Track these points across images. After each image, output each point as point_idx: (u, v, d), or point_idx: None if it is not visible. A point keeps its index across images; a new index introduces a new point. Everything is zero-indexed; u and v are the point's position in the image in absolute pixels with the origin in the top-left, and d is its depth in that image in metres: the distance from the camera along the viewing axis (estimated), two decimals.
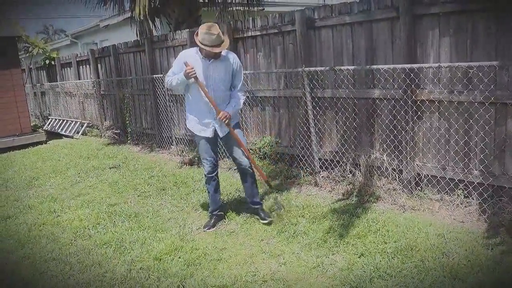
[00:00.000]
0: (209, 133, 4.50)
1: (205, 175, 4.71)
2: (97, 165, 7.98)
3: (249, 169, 4.62)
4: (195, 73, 4.21)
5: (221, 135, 4.53)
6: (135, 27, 9.82)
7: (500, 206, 4.29)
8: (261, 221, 4.63)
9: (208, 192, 4.78)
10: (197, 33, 4.20)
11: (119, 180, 6.86)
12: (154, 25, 10.26)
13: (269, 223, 4.57)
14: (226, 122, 4.37)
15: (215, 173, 4.69)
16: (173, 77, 4.46)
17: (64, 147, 10.39)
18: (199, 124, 4.52)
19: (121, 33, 14.87)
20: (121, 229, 4.84)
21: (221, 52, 4.30)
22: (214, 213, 4.77)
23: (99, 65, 11.43)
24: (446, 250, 3.70)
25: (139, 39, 9.65)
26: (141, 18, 8.30)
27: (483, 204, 4.40)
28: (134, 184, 6.56)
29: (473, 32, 4.40)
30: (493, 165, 4.46)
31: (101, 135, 11.29)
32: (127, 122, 10.03)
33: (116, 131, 10.66)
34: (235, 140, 4.52)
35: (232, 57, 4.49)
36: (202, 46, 4.17)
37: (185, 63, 4.24)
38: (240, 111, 5.60)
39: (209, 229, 4.61)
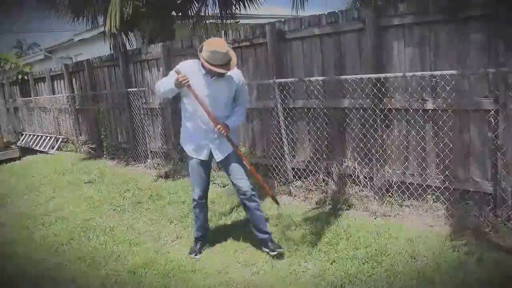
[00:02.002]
0: (203, 156, 4.04)
1: (193, 200, 4.25)
2: (72, 181, 7.91)
3: (251, 194, 4.03)
4: (188, 82, 3.73)
5: (217, 159, 4.05)
6: (109, 41, 9.83)
7: (466, 209, 4.43)
8: (270, 253, 4.04)
9: (196, 218, 4.32)
10: (202, 48, 3.76)
11: (95, 194, 6.83)
12: (128, 39, 10.30)
13: (278, 255, 4.02)
14: (225, 135, 3.89)
15: (205, 199, 4.28)
16: (162, 83, 4.04)
17: (38, 163, 10.25)
18: (193, 144, 4.06)
19: (96, 47, 14.79)
20: (95, 243, 4.82)
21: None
22: (201, 238, 4.38)
23: (73, 80, 11.36)
24: (415, 254, 3.81)
25: (113, 53, 9.66)
26: (114, 32, 8.30)
27: (450, 208, 4.53)
28: (110, 198, 6.53)
29: (435, 43, 4.57)
30: (458, 170, 4.61)
31: (76, 150, 11.18)
32: (103, 136, 9.98)
33: (91, 146, 10.59)
34: (234, 161, 4.05)
35: (236, 74, 4.02)
36: (209, 66, 3.70)
37: (176, 71, 3.78)
38: None
39: (195, 255, 4.25)
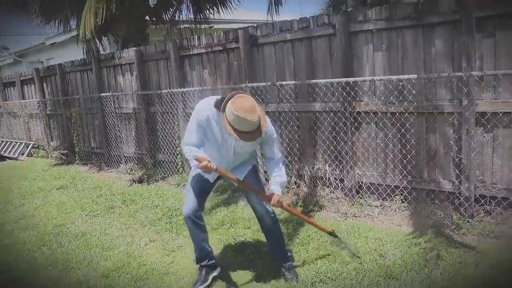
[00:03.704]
0: (210, 177, 3.53)
1: (185, 217, 3.52)
2: (43, 187, 7.79)
3: (269, 218, 3.61)
4: (213, 166, 3.20)
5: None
6: (82, 46, 9.75)
7: (432, 209, 4.57)
8: (286, 280, 3.61)
9: (192, 238, 3.64)
10: (225, 105, 3.08)
11: (66, 200, 6.75)
12: (101, 43, 10.24)
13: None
14: (280, 206, 3.44)
15: (200, 213, 3.56)
16: (191, 151, 3.33)
17: (7, 170, 10.06)
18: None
19: (68, 52, 14.64)
20: (67, 249, 4.77)
21: None
22: (203, 263, 3.68)
23: (44, 84, 11.21)
24: (383, 252, 3.92)
25: (86, 57, 9.58)
26: (87, 38, 8.24)
27: (417, 208, 4.67)
28: (82, 204, 6.47)
29: (403, 47, 4.72)
30: (424, 171, 4.76)
31: (47, 156, 11.01)
32: (75, 141, 9.86)
33: (63, 151, 10.45)
34: (252, 182, 3.59)
35: (267, 130, 3.30)
36: (233, 133, 3.05)
37: (197, 159, 3.18)
38: None
39: (201, 284, 3.59)
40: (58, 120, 10.86)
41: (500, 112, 4.15)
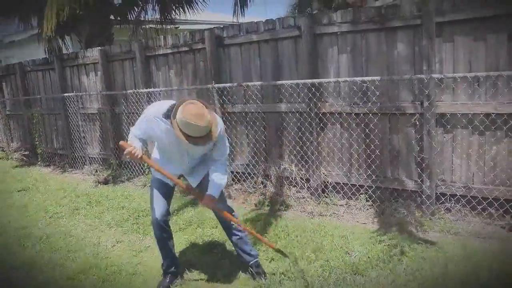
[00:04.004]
0: (169, 180, 3.53)
1: (154, 220, 3.57)
2: (3, 189, 7.56)
3: (233, 229, 3.72)
4: (138, 155, 3.24)
5: (193, 184, 3.62)
6: (44, 45, 9.52)
7: (395, 207, 4.71)
8: (253, 278, 3.68)
9: (158, 242, 3.68)
10: (175, 112, 3.09)
11: (29, 203, 6.58)
12: (64, 43, 10.01)
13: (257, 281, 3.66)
14: (213, 207, 3.53)
15: (166, 218, 3.62)
16: (130, 139, 3.40)
17: None
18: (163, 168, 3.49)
19: (28, 50, 14.23)
20: (31, 252, 4.67)
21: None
22: (170, 270, 3.73)
23: (3, 84, 10.87)
24: (349, 249, 4.02)
25: (48, 56, 9.36)
26: (50, 35, 8.04)
27: (381, 206, 4.81)
28: (45, 206, 6.32)
29: (367, 50, 4.84)
30: (388, 170, 4.90)
31: (8, 158, 10.67)
32: (37, 143, 9.60)
33: (24, 153, 10.15)
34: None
35: (219, 134, 3.29)
36: (181, 137, 3.06)
37: (121, 145, 3.30)
38: None
39: None
40: (18, 120, 10.56)
41: (459, 114, 4.33)
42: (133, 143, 3.32)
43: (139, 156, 3.24)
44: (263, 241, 3.87)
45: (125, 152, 3.23)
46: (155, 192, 3.59)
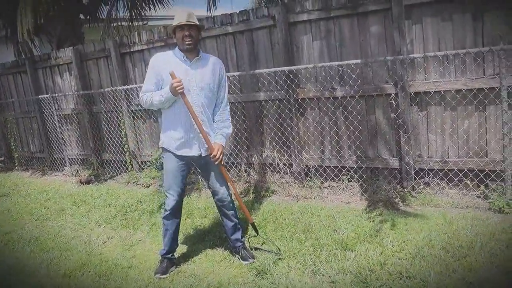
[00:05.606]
0: (195, 151, 3.67)
1: (165, 210, 3.78)
2: None
3: (229, 200, 3.85)
4: (183, 88, 3.44)
5: (203, 153, 3.70)
6: (13, 47, 9.34)
7: (377, 185, 4.91)
8: (242, 261, 3.83)
9: (166, 230, 3.83)
10: (173, 29, 3.55)
11: (12, 207, 6.53)
12: (34, 44, 9.84)
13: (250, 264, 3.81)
14: (220, 158, 3.66)
15: (180, 205, 3.84)
16: (152, 94, 3.62)
17: None
18: (181, 140, 3.65)
19: None
20: (22, 255, 4.68)
21: (199, 49, 3.66)
22: (168, 256, 3.87)
23: None
24: (337, 227, 4.19)
25: (18, 59, 9.21)
26: (24, 38, 7.88)
27: (364, 185, 4.99)
28: (29, 209, 6.29)
29: (340, 35, 4.99)
30: (368, 150, 5.08)
31: None
32: (13, 147, 9.48)
33: (0, 159, 10.03)
34: (215, 165, 3.74)
35: (219, 61, 3.79)
36: (178, 22, 3.46)
37: (171, 74, 3.42)
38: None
39: (162, 275, 3.76)
40: None
41: (431, 91, 4.53)
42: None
43: (183, 90, 3.44)
44: (243, 210, 3.99)
45: (174, 80, 3.40)
46: (170, 177, 3.73)
